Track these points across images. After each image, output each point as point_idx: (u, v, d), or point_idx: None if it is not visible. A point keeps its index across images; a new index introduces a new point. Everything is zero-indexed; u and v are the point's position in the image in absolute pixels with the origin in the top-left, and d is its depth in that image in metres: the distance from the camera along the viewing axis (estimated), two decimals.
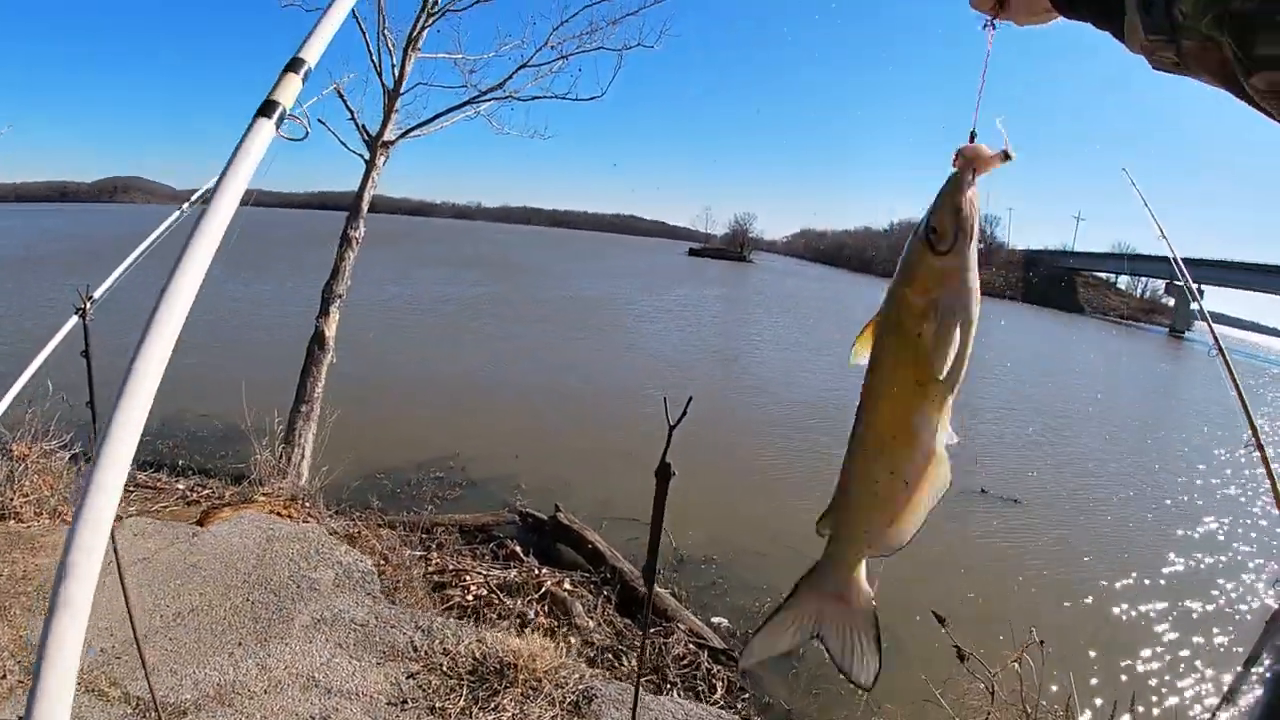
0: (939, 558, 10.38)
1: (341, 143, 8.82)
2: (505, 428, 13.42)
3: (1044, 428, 20.95)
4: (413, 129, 8.98)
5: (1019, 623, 5.89)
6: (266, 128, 1.18)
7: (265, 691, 3.87)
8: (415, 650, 4.29)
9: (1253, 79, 0.64)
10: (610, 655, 6.11)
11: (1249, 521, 13.31)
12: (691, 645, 6.69)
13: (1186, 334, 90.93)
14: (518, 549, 7.83)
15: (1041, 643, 5.01)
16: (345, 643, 4.39)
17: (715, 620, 7.60)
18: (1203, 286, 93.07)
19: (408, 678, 4.00)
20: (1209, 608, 9.95)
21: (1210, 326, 3.01)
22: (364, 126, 8.74)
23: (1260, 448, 2.80)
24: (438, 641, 4.40)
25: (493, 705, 3.85)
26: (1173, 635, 9.03)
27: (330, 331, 8.76)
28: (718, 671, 6.45)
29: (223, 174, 1.09)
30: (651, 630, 6.80)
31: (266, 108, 1.18)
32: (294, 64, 1.25)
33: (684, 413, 2.40)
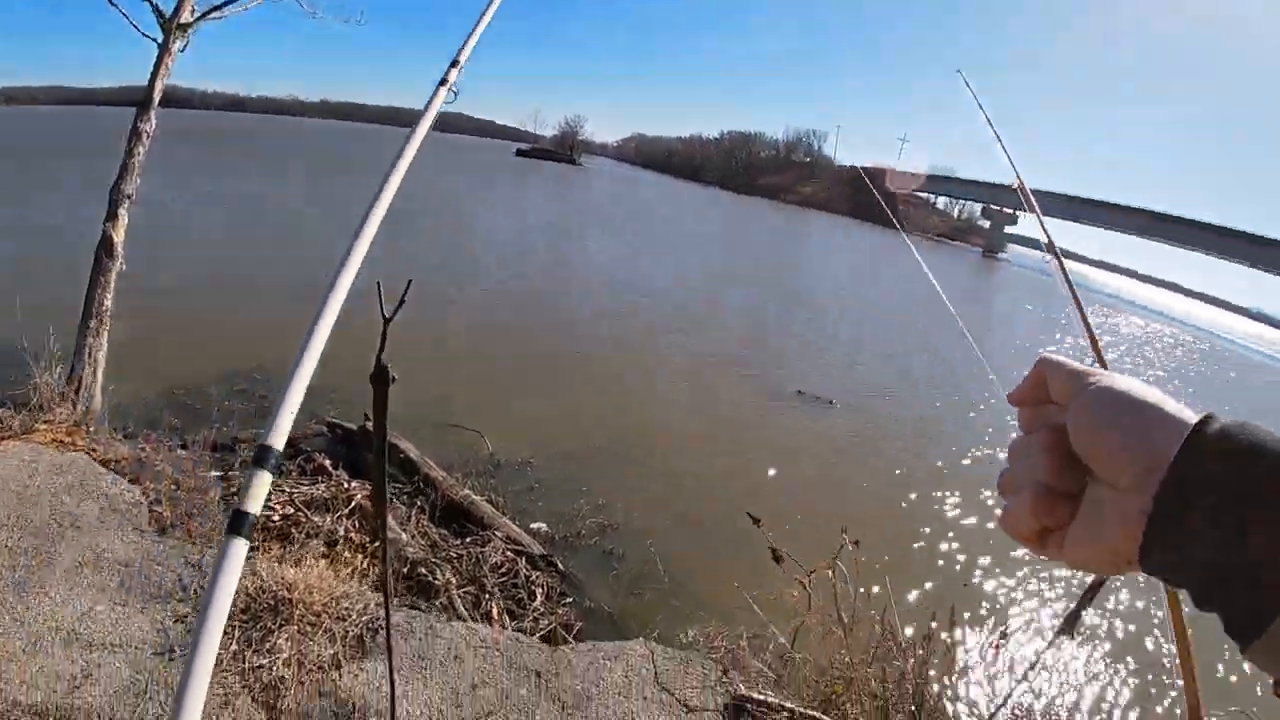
0: (757, 458, 10.66)
1: (131, 24, 7.91)
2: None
3: (859, 330, 21.88)
4: (211, 10, 8.10)
5: (834, 523, 6.07)
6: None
7: (25, 652, 3.45)
8: (184, 590, 3.91)
9: None
10: (424, 570, 5.91)
11: None
12: (510, 553, 6.59)
13: (999, 255, 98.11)
14: (326, 463, 7.40)
15: (856, 543, 5.16)
16: (108, 586, 3.98)
17: (535, 525, 7.53)
18: (1017, 212, 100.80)
19: (175, 622, 3.63)
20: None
21: (1054, 248, 2.99)
22: (157, 6, 7.84)
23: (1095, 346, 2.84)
24: (208, 577, 4.00)
25: (267, 647, 3.56)
26: (981, 528, 9.63)
27: (119, 236, 7.94)
28: (537, 578, 6.41)
29: None
30: (467, 540, 6.66)
31: None
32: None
33: (401, 302, 2.15)
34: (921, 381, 17.80)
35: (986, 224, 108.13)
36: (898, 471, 11.33)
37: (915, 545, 9.19)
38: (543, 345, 14.16)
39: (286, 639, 3.66)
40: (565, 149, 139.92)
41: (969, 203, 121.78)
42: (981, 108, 3.33)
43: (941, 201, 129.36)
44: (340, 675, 3.56)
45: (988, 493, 10.68)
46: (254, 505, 1.15)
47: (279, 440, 1.23)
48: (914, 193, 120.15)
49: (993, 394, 17.49)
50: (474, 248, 24.36)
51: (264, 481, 1.18)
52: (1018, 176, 3.11)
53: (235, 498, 6.35)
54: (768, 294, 26.07)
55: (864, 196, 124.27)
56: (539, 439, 9.50)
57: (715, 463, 10.40)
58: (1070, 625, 2.50)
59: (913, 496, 10.51)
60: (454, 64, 2.37)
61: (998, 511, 0.66)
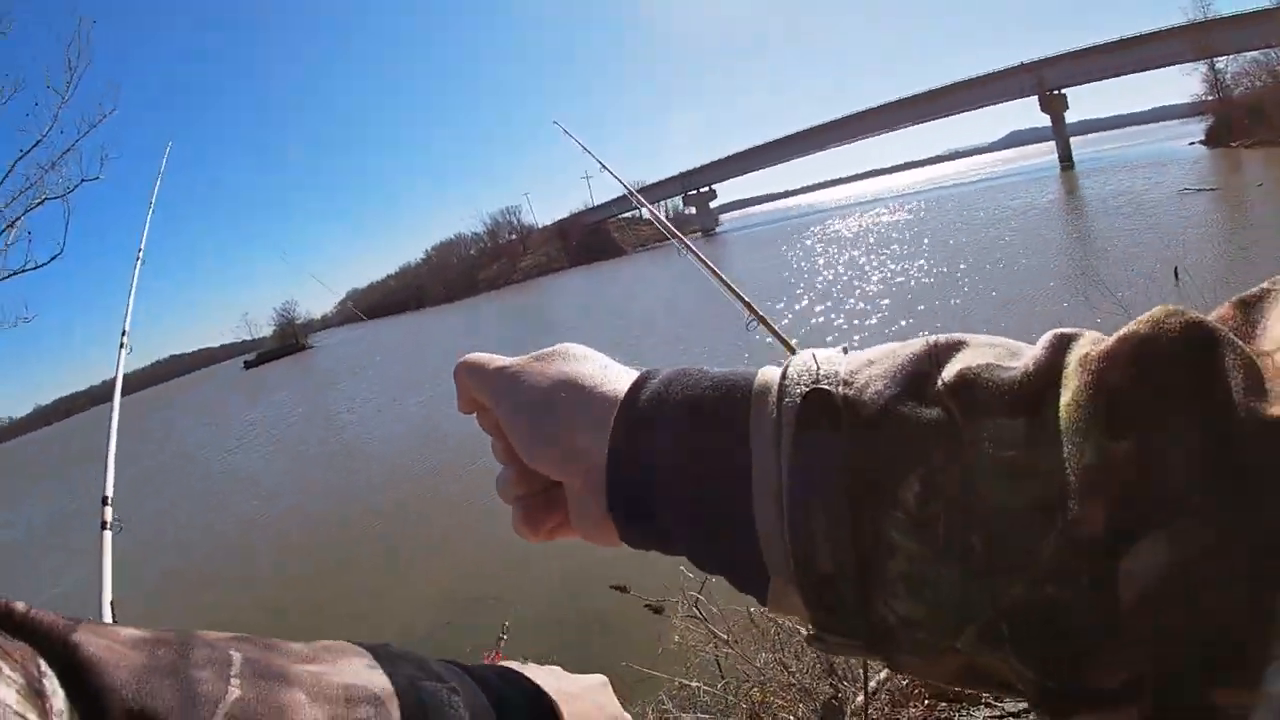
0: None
1: None
2: None
3: (640, 357, 22.44)
4: None
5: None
6: None
7: None
8: None
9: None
10: None
11: None
12: None
13: (717, 230, 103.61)
14: None
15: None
16: None
17: None
18: (714, 187, 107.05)
19: None
20: None
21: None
22: None
23: (761, 319, 3.05)
24: None
25: None
26: None
27: None
28: None
29: None
30: None
31: None
32: None
33: None
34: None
35: (692, 210, 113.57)
36: None
37: None
38: (351, 535, 13.49)
39: None
40: (290, 339, 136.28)
41: (669, 200, 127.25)
42: (584, 147, 3.60)
43: (645, 212, 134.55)
44: None
45: None
46: None
47: None
48: (617, 216, 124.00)
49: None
50: (236, 490, 22.50)
51: None
52: (628, 189, 3.41)
53: None
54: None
55: (575, 245, 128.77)
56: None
57: (574, 558, 10.19)
58: None
59: None
60: (123, 333, 2.85)
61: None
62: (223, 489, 23.09)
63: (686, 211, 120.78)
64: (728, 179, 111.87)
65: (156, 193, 3.45)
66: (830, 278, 29.65)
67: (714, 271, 3.10)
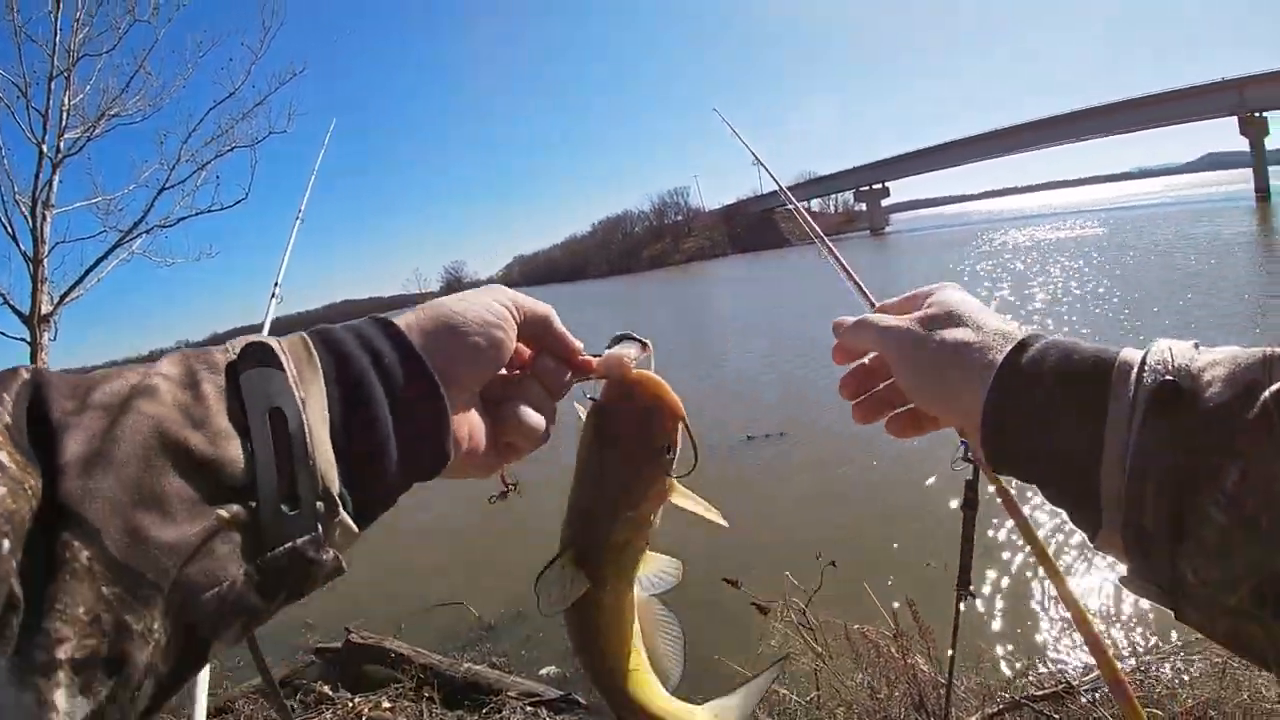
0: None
1: None
2: None
3: (783, 356, 21.97)
4: (67, 293, 7.80)
5: (813, 553, 5.97)
6: None
7: None
8: None
9: None
10: None
11: None
12: (529, 707, 6.49)
13: (886, 229, 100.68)
14: (326, 689, 7.21)
15: (833, 563, 5.08)
16: None
17: (543, 671, 7.38)
18: (887, 184, 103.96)
19: None
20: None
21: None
22: (15, 307, 7.55)
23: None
24: None
25: None
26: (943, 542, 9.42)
27: None
28: None
29: None
30: (484, 710, 6.51)
31: None
32: None
33: None
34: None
35: (863, 206, 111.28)
36: (869, 480, 11.14)
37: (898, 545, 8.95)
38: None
39: None
40: None
41: (840, 194, 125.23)
42: (738, 135, 3.57)
43: (815, 203, 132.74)
44: None
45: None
46: None
47: None
48: (784, 206, 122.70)
49: None
50: None
51: None
52: (777, 183, 3.37)
53: None
54: (681, 357, 25.98)
55: (740, 231, 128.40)
56: (515, 588, 9.19)
57: (687, 543, 10.11)
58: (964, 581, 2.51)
59: (890, 501, 10.31)
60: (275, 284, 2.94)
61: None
62: None
63: (857, 208, 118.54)
64: (902, 177, 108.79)
65: (319, 163, 3.63)
66: (994, 290, 28.42)
67: (852, 279, 3.07)
